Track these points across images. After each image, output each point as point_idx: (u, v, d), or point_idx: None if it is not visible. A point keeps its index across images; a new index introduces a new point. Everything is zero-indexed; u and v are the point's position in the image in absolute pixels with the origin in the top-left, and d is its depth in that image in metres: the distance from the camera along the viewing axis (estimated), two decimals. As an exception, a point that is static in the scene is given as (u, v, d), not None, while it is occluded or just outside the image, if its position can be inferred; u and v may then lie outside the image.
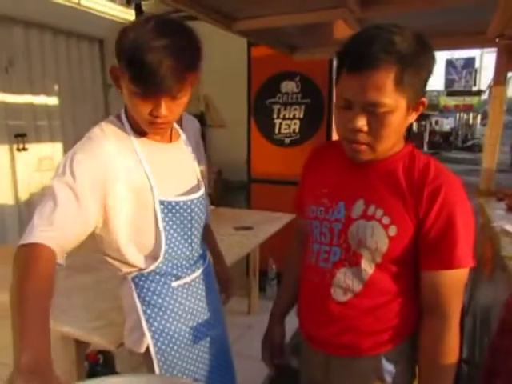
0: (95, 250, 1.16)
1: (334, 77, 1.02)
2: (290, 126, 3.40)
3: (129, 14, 4.78)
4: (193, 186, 1.21)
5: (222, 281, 1.53)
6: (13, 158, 4.45)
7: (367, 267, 1.01)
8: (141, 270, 1.14)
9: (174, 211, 1.13)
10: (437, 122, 28.92)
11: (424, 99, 0.96)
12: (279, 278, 1.30)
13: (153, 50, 0.92)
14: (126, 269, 1.15)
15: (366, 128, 0.92)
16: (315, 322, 1.12)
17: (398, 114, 0.91)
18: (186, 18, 1.87)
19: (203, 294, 1.27)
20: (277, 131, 3.47)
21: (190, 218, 1.17)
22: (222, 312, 1.41)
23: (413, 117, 0.97)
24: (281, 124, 3.43)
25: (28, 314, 0.73)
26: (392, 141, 0.97)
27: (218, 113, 5.43)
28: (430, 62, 0.93)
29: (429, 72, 0.94)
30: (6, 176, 4.40)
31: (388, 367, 1.04)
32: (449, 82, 23.72)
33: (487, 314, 1.94)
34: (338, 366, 1.11)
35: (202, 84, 5.26)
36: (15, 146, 4.44)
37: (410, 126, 23.34)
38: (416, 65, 0.89)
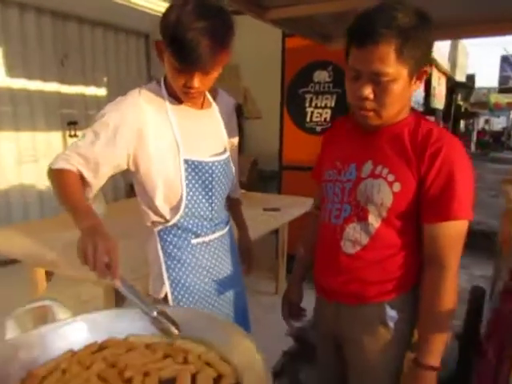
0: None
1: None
2: (321, 115, 3.50)
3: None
4: (216, 150, 1.32)
5: (244, 250, 1.62)
6: (65, 144, 4.83)
7: (374, 222, 1.10)
8: (165, 221, 1.27)
9: (196, 170, 1.24)
10: (487, 121, 27.65)
11: (426, 69, 1.05)
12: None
13: (192, 30, 1.04)
14: (153, 217, 1.30)
15: (371, 96, 1.02)
16: (327, 273, 1.23)
17: (401, 82, 1.00)
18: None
19: (221, 255, 1.37)
20: (308, 119, 3.58)
21: (211, 179, 1.28)
22: (240, 276, 1.52)
23: (417, 85, 1.06)
24: (312, 112, 3.54)
25: (77, 207, 1.05)
26: (396, 107, 1.05)
27: (254, 104, 5.60)
28: (429, 35, 1.03)
29: (429, 45, 1.03)
30: (59, 160, 4.78)
31: (391, 314, 1.13)
32: (503, 79, 22.46)
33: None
34: (346, 313, 1.21)
35: (241, 77, 5.44)
36: (67, 133, 4.84)
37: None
38: (415, 38, 0.97)
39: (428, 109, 10.37)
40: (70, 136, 4.86)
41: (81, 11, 4.67)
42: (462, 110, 22.25)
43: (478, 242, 3.53)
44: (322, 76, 3.46)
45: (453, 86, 16.30)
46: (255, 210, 2.81)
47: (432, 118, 13.30)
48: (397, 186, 1.07)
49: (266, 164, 5.07)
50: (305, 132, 3.61)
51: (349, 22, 1.10)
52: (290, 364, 1.64)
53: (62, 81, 4.73)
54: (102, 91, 5.22)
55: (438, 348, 1.05)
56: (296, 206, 2.94)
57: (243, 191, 2.45)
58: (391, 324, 1.14)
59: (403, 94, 1.04)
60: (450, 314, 1.06)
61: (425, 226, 1.07)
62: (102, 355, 0.95)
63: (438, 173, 1.02)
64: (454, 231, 1.04)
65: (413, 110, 1.15)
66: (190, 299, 1.31)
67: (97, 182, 1.19)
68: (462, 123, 23.22)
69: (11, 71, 4.20)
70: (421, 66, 1.03)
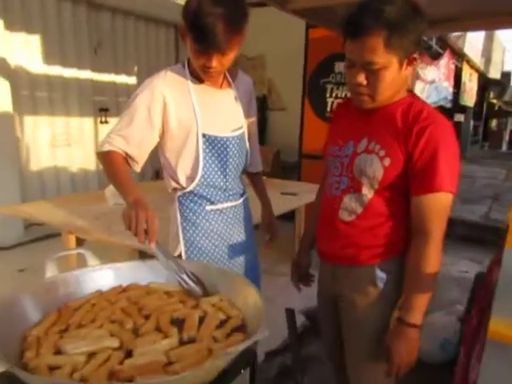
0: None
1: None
2: (341, 105, 3.57)
3: (202, 2, 5.14)
4: (232, 127, 1.43)
5: (266, 222, 1.75)
6: (96, 130, 5.08)
7: (367, 193, 1.21)
8: (182, 188, 1.41)
9: (213, 144, 1.38)
10: (521, 121, 26.70)
11: (415, 55, 1.15)
12: None
13: (210, 15, 1.16)
14: (174, 185, 1.45)
15: (365, 82, 1.13)
16: (326, 239, 1.35)
17: (391, 69, 1.10)
18: (250, 5, 2.13)
19: (233, 223, 1.50)
20: (329, 109, 3.66)
21: (225, 152, 1.41)
22: (253, 245, 1.64)
23: (409, 70, 1.16)
24: (333, 103, 3.62)
25: (123, 184, 1.23)
26: (388, 91, 1.15)
27: (279, 96, 5.70)
28: (418, 25, 1.12)
29: (417, 34, 1.11)
30: (90, 145, 5.03)
31: (380, 275, 1.25)
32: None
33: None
34: (341, 273, 1.33)
35: (266, 69, 5.55)
36: (99, 119, 5.08)
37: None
38: (403, 29, 1.07)
39: (457, 106, 10.19)
40: (101, 122, 5.10)
41: (114, 1, 4.86)
42: (496, 108, 21.64)
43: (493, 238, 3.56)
44: (342, 67, 3.53)
45: (485, 83, 15.91)
46: (273, 193, 2.91)
47: (461, 116, 13.05)
48: (387, 161, 1.17)
49: (288, 155, 5.15)
50: (325, 122, 3.70)
51: None
52: (300, 338, 1.74)
53: (95, 69, 4.94)
54: (132, 79, 5.42)
55: (421, 307, 1.15)
56: (313, 192, 3.03)
57: (264, 177, 2.56)
58: (380, 284, 1.25)
59: (394, 79, 1.14)
60: (433, 277, 1.15)
61: (412, 198, 1.17)
62: (125, 295, 1.10)
63: (423, 149, 1.12)
64: (437, 202, 1.13)
65: (410, 91, 1.25)
66: (202, 259, 1.44)
67: (141, 157, 1.36)
68: (495, 122, 22.55)
69: (48, 59, 4.44)
70: (410, 53, 1.12)
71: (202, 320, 1.00)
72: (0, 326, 0.86)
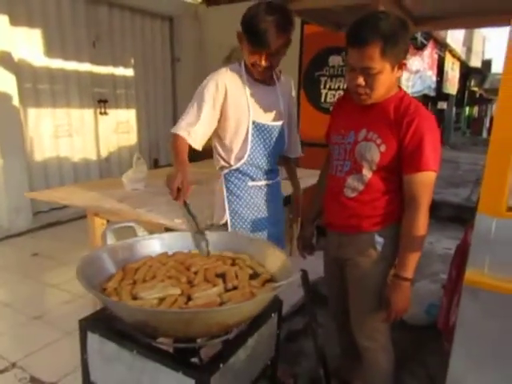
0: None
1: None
2: (334, 96, 3.84)
3: (196, -5, 5.30)
4: (275, 117, 1.71)
5: (294, 203, 2.06)
6: (96, 121, 5.23)
7: (367, 173, 1.47)
8: (229, 166, 1.69)
9: (260, 131, 1.65)
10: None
11: (404, 61, 1.41)
12: (318, 228, 1.77)
13: (263, 22, 1.47)
14: (222, 163, 1.71)
15: (363, 83, 1.38)
16: (333, 212, 1.61)
17: (385, 73, 1.35)
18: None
19: (269, 198, 1.77)
20: (323, 100, 3.92)
21: (270, 138, 1.69)
22: (283, 218, 1.91)
23: (399, 73, 1.40)
24: (327, 94, 3.88)
25: (178, 157, 1.50)
26: (382, 90, 1.40)
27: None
28: (406, 37, 1.37)
29: (405, 43, 1.37)
30: (91, 135, 5.19)
31: (379, 239, 1.51)
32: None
33: None
34: (346, 240, 1.59)
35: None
36: (98, 110, 5.22)
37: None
38: (395, 40, 1.31)
39: (440, 94, 10.51)
40: (101, 113, 5.24)
41: (111, -4, 4.98)
42: (477, 95, 22.14)
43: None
44: (336, 60, 3.79)
45: (467, 72, 16.29)
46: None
47: (444, 104, 13.42)
48: (383, 147, 1.43)
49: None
50: (320, 111, 3.95)
51: (359, 12, 1.44)
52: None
53: (94, 61, 5.07)
54: (129, 71, 5.55)
55: (412, 264, 1.42)
56: (311, 177, 3.29)
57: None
58: (379, 247, 1.52)
59: (387, 80, 1.39)
60: (422, 238, 1.42)
61: (404, 177, 1.43)
62: (173, 258, 1.35)
63: (412, 136, 1.37)
64: (424, 179, 1.38)
65: (400, 89, 1.50)
66: (244, 227, 1.72)
67: (203, 138, 1.62)
68: (476, 109, 23.07)
69: (49, 52, 4.56)
70: (400, 59, 1.38)
71: (236, 275, 1.26)
72: (88, 275, 1.10)
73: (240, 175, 1.71)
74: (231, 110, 1.63)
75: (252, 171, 1.71)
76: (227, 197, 1.72)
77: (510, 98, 1.07)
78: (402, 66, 1.41)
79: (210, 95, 1.59)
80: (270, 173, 1.78)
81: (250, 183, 1.73)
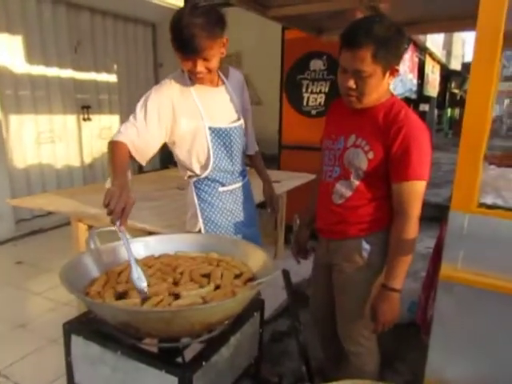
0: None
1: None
2: (316, 99, 3.89)
3: (179, 1, 5.29)
4: (232, 118, 1.67)
5: (267, 196, 2.00)
6: (79, 127, 5.20)
7: (355, 180, 1.45)
8: (197, 175, 1.66)
9: (218, 135, 1.61)
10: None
11: (397, 67, 1.36)
12: (313, 233, 1.76)
13: (186, 27, 1.37)
14: (189, 173, 1.70)
15: (354, 86, 1.35)
16: (322, 218, 1.60)
17: (376, 77, 1.33)
18: (230, 5, 2.35)
19: (241, 201, 1.76)
20: (305, 104, 3.97)
21: (229, 140, 1.64)
22: (256, 218, 1.88)
23: (391, 79, 1.38)
24: (309, 97, 3.93)
25: (116, 170, 1.32)
26: (373, 95, 1.37)
27: (255, 91, 5.95)
28: (400, 43, 1.35)
29: (398, 49, 1.35)
30: (74, 141, 5.16)
31: (365, 246, 1.48)
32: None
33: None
34: (334, 245, 1.58)
35: (242, 65, 5.79)
36: (81, 116, 5.20)
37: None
38: (388, 45, 1.29)
39: (422, 96, 10.70)
40: (84, 119, 5.22)
41: (93, 2, 4.97)
42: (458, 97, 22.58)
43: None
44: (317, 65, 3.84)
45: (447, 75, 16.63)
46: (258, 182, 3.20)
47: (426, 106, 13.65)
48: (371, 154, 1.40)
49: (266, 148, 5.39)
50: (302, 115, 4.00)
51: (338, 18, 1.45)
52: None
53: (76, 67, 5.05)
54: (112, 77, 5.54)
55: (400, 274, 1.39)
56: (294, 179, 3.34)
57: (247, 168, 2.82)
58: (365, 254, 1.50)
59: (378, 85, 1.37)
60: (410, 250, 1.39)
61: (392, 185, 1.41)
62: (159, 261, 1.36)
63: (399, 145, 1.34)
64: (412, 188, 1.36)
65: (391, 95, 1.48)
66: (218, 232, 1.70)
67: (146, 152, 1.52)
68: (457, 111, 23.54)
69: (30, 58, 4.53)
70: (392, 65, 1.36)
71: (221, 275, 1.28)
72: (71, 279, 1.11)
73: (209, 182, 1.69)
74: (184, 122, 1.57)
75: (220, 177, 1.69)
76: (199, 204, 1.70)
77: (478, 98, 1.12)
78: (393, 72, 1.39)
79: (155, 110, 1.51)
80: (239, 174, 1.76)
81: (221, 189, 1.70)
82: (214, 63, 1.50)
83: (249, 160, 1.97)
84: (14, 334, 2.56)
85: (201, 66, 1.47)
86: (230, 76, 1.74)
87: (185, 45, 1.41)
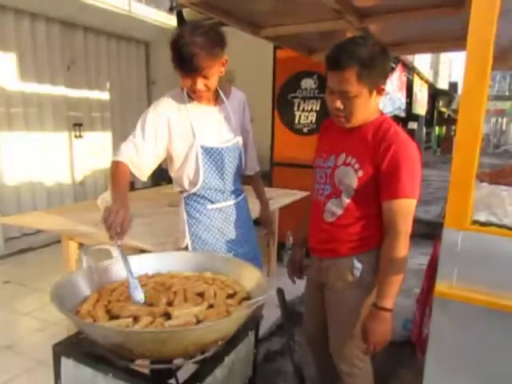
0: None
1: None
2: (307, 117, 3.95)
3: (172, 20, 5.39)
4: (226, 138, 1.67)
5: (263, 219, 2.02)
6: (71, 144, 5.18)
7: (345, 198, 1.45)
8: (187, 191, 1.67)
9: (210, 154, 1.61)
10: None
11: (383, 86, 1.42)
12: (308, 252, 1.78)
13: (186, 45, 1.40)
14: (179, 188, 1.71)
15: (341, 107, 1.38)
16: (314, 237, 1.60)
17: (362, 97, 1.35)
18: (224, 25, 2.39)
19: (231, 219, 1.73)
20: (297, 121, 4.02)
21: (221, 160, 1.64)
22: (253, 238, 1.84)
23: (378, 97, 1.40)
24: (300, 116, 3.98)
25: (115, 189, 1.39)
26: (361, 115, 1.39)
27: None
28: (385, 63, 1.38)
29: (383, 68, 1.38)
30: (65, 159, 5.13)
31: (357, 265, 1.48)
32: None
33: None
34: (325, 264, 1.57)
35: (234, 83, 5.85)
36: (73, 134, 5.18)
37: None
38: (372, 65, 1.32)
39: (410, 114, 10.91)
40: (76, 137, 5.20)
41: (86, 21, 5.02)
42: (445, 116, 23.04)
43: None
44: (308, 83, 3.91)
45: (435, 93, 17.00)
46: (250, 198, 3.20)
47: (415, 124, 13.90)
48: (360, 172, 1.41)
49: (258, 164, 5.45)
50: (293, 133, 4.04)
51: (329, 38, 1.48)
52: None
53: (69, 85, 5.06)
54: (105, 95, 5.56)
55: (392, 295, 1.37)
56: (286, 196, 3.35)
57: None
58: (357, 272, 1.50)
59: (365, 105, 1.39)
60: (401, 269, 1.38)
61: (382, 204, 1.41)
62: (153, 279, 1.34)
63: (388, 163, 1.35)
64: (401, 206, 1.36)
65: (381, 113, 1.50)
66: (205, 249, 1.68)
67: (144, 169, 1.57)
68: (444, 129, 23.97)
69: (23, 76, 4.53)
70: (378, 84, 1.39)
71: (215, 294, 1.26)
72: (62, 297, 1.09)
73: (199, 198, 1.69)
74: (177, 141, 1.60)
75: (210, 194, 1.68)
76: (187, 220, 1.69)
77: (469, 117, 1.14)
78: (380, 91, 1.41)
79: (152, 128, 1.55)
80: (231, 193, 1.74)
81: (210, 206, 1.70)
82: (213, 82, 1.54)
83: (249, 180, 1.98)
84: (0, 356, 2.48)
85: (200, 84, 1.50)
86: (231, 95, 1.75)
87: (185, 63, 1.44)
